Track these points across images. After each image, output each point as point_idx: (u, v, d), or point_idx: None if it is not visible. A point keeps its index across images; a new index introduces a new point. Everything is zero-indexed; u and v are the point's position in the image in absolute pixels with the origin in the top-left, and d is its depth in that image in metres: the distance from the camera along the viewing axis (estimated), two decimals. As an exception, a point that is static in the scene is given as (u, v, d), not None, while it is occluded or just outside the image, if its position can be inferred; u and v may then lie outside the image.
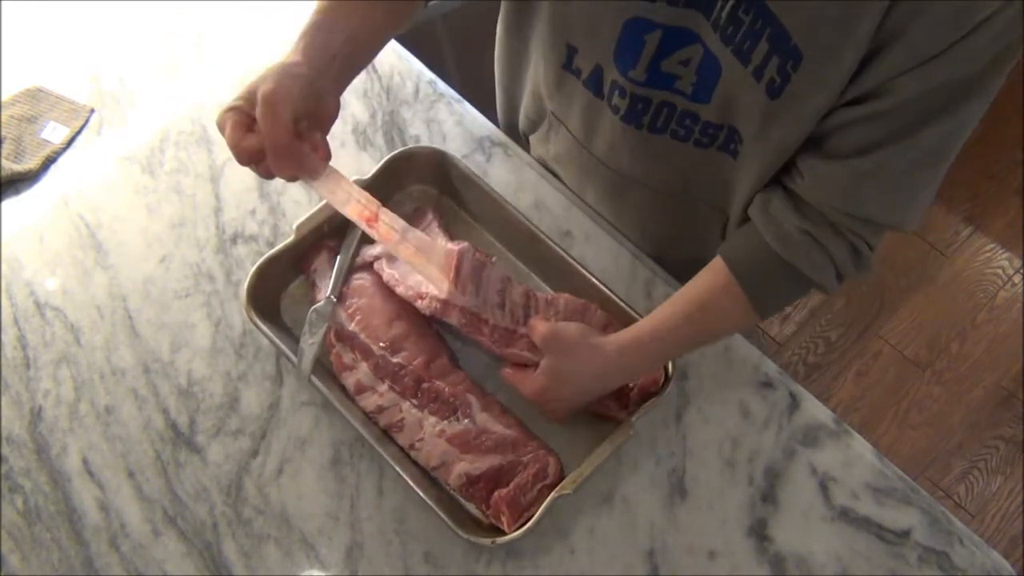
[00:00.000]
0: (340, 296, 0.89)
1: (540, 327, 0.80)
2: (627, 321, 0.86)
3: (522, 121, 1.01)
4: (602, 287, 0.87)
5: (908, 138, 0.62)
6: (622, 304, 0.86)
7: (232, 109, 0.66)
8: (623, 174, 0.89)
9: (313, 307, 0.88)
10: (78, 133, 1.06)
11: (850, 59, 0.59)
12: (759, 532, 0.82)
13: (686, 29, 0.67)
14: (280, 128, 0.64)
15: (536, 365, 0.81)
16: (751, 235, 0.75)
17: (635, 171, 0.87)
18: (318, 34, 0.69)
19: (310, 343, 0.86)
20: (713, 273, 0.77)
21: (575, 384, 0.79)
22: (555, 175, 1.02)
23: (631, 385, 0.83)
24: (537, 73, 0.89)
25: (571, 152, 0.94)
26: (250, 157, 0.66)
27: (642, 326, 0.79)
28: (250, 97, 0.65)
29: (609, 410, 0.83)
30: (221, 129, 0.67)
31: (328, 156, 0.70)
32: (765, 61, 0.63)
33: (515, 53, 0.92)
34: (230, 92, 1.06)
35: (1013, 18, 0.54)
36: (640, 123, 0.79)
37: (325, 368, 0.88)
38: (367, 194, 0.73)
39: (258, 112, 0.64)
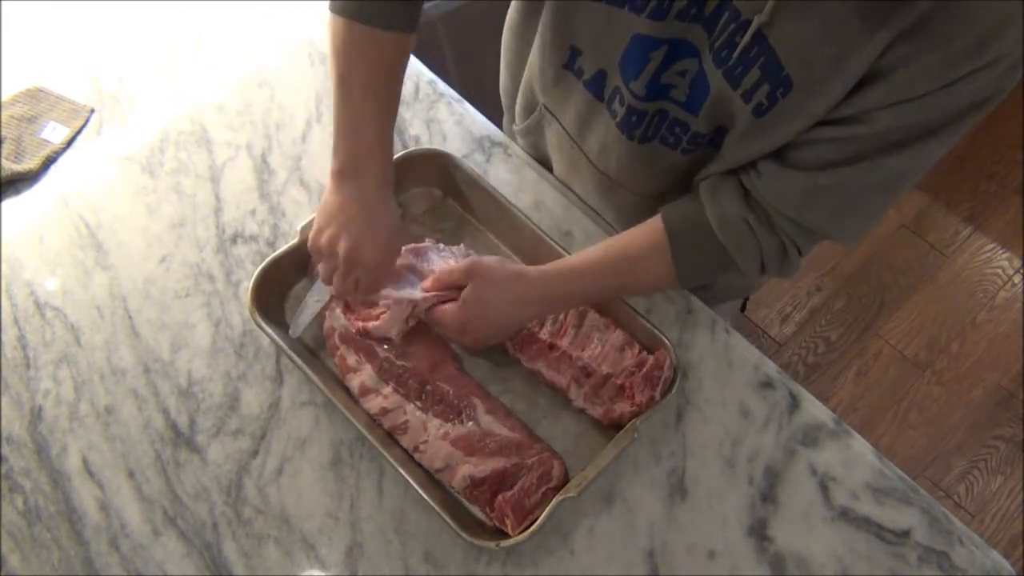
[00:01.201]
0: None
1: (462, 262, 0.83)
2: (631, 324, 0.86)
3: (517, 111, 1.01)
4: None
5: (869, 162, 0.64)
6: (623, 303, 0.86)
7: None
8: (611, 177, 0.90)
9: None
10: (78, 133, 1.06)
11: (838, 92, 0.61)
12: (759, 532, 0.81)
13: (688, 42, 0.69)
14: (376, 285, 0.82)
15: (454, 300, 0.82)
16: (694, 207, 0.77)
17: (621, 176, 0.89)
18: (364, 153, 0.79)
19: (315, 300, 0.88)
20: (649, 230, 0.80)
21: (497, 308, 0.81)
22: (545, 166, 1.03)
23: (633, 371, 0.83)
24: (533, 68, 0.90)
25: (562, 146, 0.96)
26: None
27: (568, 260, 0.82)
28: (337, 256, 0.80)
29: (618, 414, 0.83)
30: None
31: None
32: (755, 87, 0.65)
33: (518, 50, 0.94)
34: (230, 92, 1.07)
35: (995, 77, 0.57)
36: (632, 135, 0.81)
37: (329, 370, 0.89)
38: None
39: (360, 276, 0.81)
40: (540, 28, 0.83)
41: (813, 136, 0.66)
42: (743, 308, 1.24)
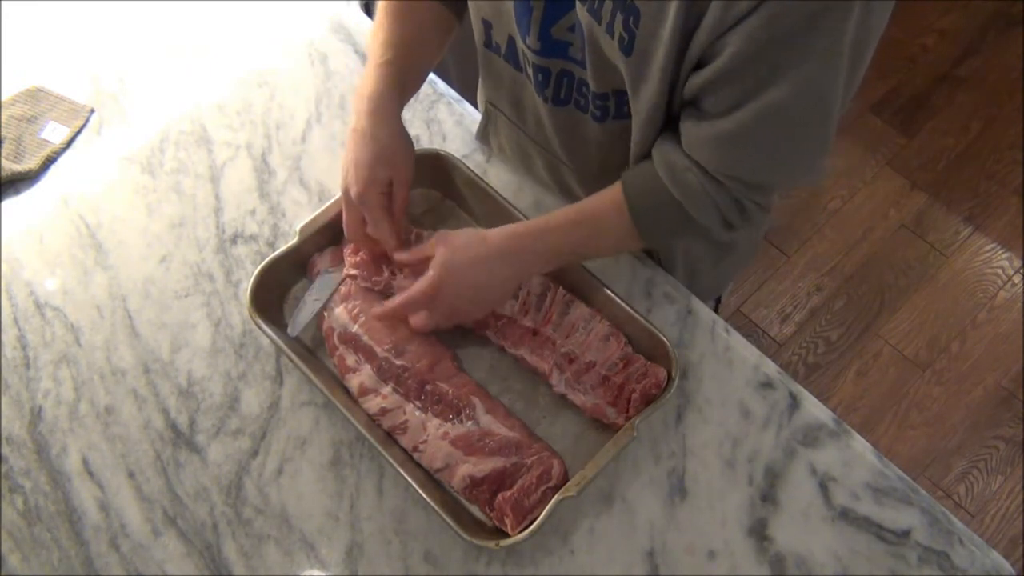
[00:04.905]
0: (343, 298, 0.89)
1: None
2: (631, 324, 0.86)
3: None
4: (602, 287, 0.87)
5: (757, 99, 0.64)
6: (622, 303, 0.86)
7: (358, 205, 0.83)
8: (554, 154, 0.91)
9: (328, 269, 0.90)
10: (78, 133, 1.06)
11: (674, 15, 0.62)
12: (759, 532, 0.81)
13: None
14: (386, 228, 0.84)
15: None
16: (650, 167, 0.77)
17: (558, 149, 0.90)
18: (388, 100, 0.83)
19: (314, 299, 0.88)
20: (610, 191, 0.80)
21: (465, 270, 0.80)
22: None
23: (631, 388, 0.83)
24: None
25: (510, 137, 0.97)
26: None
27: (532, 221, 0.82)
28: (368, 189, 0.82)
29: (607, 417, 0.83)
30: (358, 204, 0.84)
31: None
32: (612, 18, 0.67)
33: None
34: (230, 92, 1.07)
35: None
36: (546, 95, 0.82)
37: (329, 370, 0.89)
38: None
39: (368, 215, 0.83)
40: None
41: (699, 83, 0.66)
42: (716, 310, 1.24)
